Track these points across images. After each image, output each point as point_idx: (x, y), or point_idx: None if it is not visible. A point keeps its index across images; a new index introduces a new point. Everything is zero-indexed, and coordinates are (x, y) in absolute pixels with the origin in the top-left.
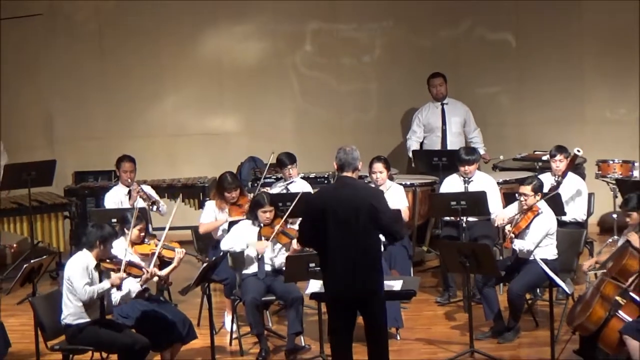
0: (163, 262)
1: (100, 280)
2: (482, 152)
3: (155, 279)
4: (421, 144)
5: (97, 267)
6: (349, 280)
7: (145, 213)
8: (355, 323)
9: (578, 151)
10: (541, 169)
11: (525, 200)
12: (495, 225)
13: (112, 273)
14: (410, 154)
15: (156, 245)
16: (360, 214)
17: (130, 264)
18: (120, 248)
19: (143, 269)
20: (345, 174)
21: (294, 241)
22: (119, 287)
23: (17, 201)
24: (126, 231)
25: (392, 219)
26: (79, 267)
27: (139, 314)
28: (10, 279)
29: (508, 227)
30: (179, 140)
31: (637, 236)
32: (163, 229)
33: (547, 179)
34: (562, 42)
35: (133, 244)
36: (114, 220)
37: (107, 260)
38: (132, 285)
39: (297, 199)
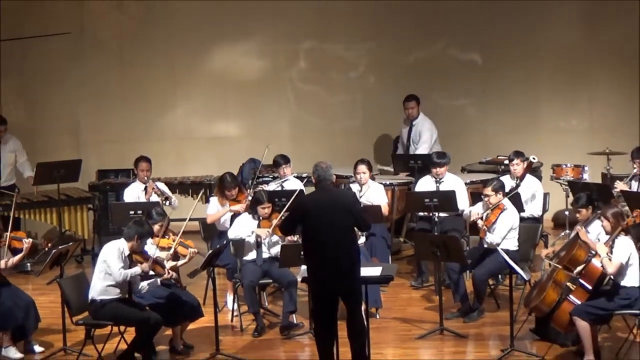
0: (176, 256)
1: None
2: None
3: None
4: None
5: (129, 256)
6: (331, 270)
7: (160, 207)
8: (337, 308)
9: (533, 158)
10: (503, 171)
11: (489, 199)
12: (471, 219)
13: (138, 264)
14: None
15: (174, 241)
16: (340, 213)
17: (155, 261)
18: (149, 246)
19: (165, 269)
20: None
21: None
22: (143, 278)
23: (47, 195)
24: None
25: (362, 214)
26: (116, 252)
27: (154, 295)
28: (41, 262)
29: (480, 222)
30: (188, 143)
31: (584, 231)
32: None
33: (508, 180)
34: (521, 61)
35: (154, 236)
36: (132, 212)
37: (139, 253)
38: (153, 281)
39: (293, 197)
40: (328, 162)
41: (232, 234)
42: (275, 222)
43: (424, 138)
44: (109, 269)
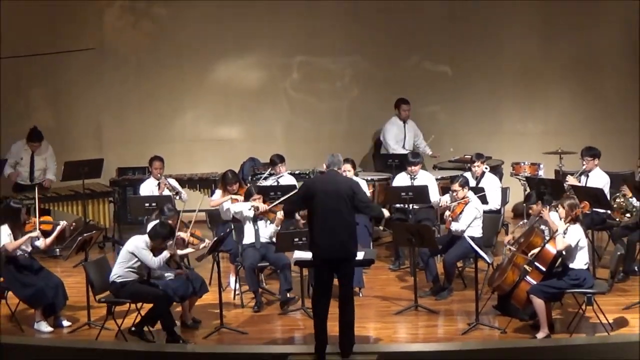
0: (185, 245)
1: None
2: (428, 150)
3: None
4: (380, 148)
5: (153, 251)
6: (333, 244)
7: (172, 201)
8: (333, 281)
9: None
10: (469, 168)
11: (456, 193)
12: (440, 205)
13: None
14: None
15: (186, 232)
16: (342, 196)
17: (173, 256)
18: None
19: (180, 265)
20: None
21: (279, 213)
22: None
23: (73, 189)
24: (163, 219)
25: (367, 201)
26: (143, 246)
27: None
28: (68, 248)
29: (447, 213)
30: (196, 144)
31: (547, 212)
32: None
33: (471, 177)
34: (486, 72)
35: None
36: (147, 204)
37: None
38: (170, 272)
39: (288, 196)
40: (339, 154)
41: (234, 208)
42: (263, 205)
43: (419, 133)
44: (139, 259)
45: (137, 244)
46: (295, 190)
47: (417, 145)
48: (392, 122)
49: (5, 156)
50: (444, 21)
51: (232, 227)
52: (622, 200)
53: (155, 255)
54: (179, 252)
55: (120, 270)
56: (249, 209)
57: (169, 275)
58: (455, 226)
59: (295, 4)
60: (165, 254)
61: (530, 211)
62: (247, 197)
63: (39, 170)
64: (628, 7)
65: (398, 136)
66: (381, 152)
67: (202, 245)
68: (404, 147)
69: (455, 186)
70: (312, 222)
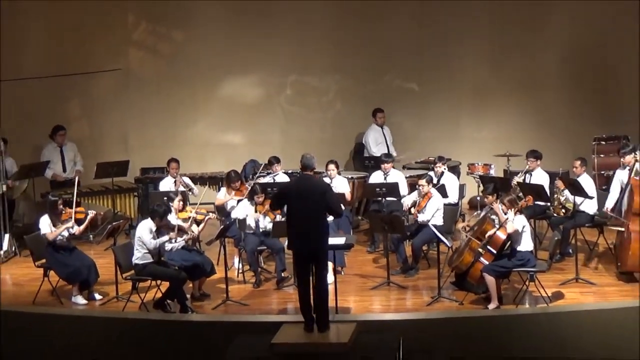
0: (197, 222)
1: (159, 236)
2: (394, 152)
3: (192, 234)
4: (360, 152)
5: (158, 229)
6: (305, 239)
7: (185, 194)
8: (310, 270)
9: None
10: (432, 168)
11: (422, 188)
12: (404, 209)
13: (166, 233)
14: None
15: (192, 212)
16: (315, 197)
17: (179, 228)
18: (171, 216)
19: (188, 231)
20: (306, 172)
21: (278, 217)
22: (171, 241)
23: (104, 186)
24: (171, 204)
25: (336, 202)
26: (146, 229)
27: (182, 258)
28: (100, 234)
29: (413, 209)
30: (206, 148)
31: (497, 206)
32: (196, 204)
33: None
34: (447, 88)
35: (177, 211)
36: (165, 198)
37: (165, 225)
38: (178, 242)
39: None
40: (312, 154)
41: (234, 214)
42: (267, 206)
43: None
44: (143, 243)
45: (140, 229)
46: (275, 190)
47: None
48: (372, 128)
49: (41, 160)
50: (412, 47)
51: (237, 219)
52: (561, 195)
53: (159, 232)
54: (194, 228)
55: (139, 254)
56: (246, 216)
57: (179, 243)
58: (421, 217)
59: (289, 33)
60: (164, 237)
61: (486, 200)
62: (252, 195)
63: (70, 162)
64: (562, 37)
65: (378, 139)
66: (362, 155)
67: (207, 217)
68: (387, 147)
69: (423, 182)
70: (289, 220)
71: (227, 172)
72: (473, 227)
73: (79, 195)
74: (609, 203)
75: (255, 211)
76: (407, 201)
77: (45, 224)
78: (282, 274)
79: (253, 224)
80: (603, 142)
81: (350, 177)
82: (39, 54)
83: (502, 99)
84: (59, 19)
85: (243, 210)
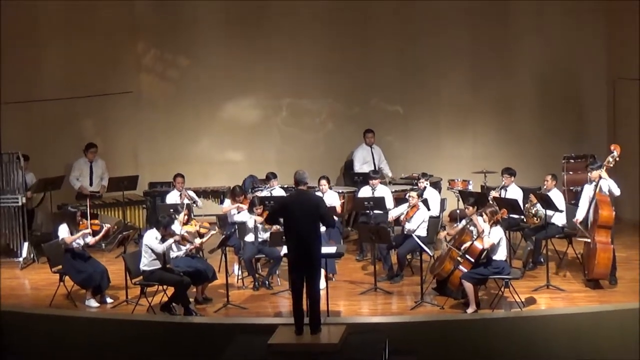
0: (200, 235)
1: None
2: (389, 172)
3: (195, 245)
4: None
5: (163, 238)
6: (301, 251)
7: (190, 207)
8: (304, 279)
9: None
10: (415, 184)
11: (412, 199)
12: (389, 219)
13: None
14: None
15: (196, 225)
16: (309, 210)
17: (183, 237)
18: (176, 227)
19: (192, 242)
20: (300, 187)
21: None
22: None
23: (115, 198)
24: (176, 217)
25: (328, 214)
26: (153, 238)
27: (185, 264)
28: (112, 243)
29: (402, 217)
30: (209, 164)
31: (477, 217)
32: (201, 215)
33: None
34: (429, 111)
35: (183, 224)
36: (172, 209)
37: (169, 234)
38: (182, 251)
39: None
40: (304, 170)
41: (236, 218)
42: (264, 217)
43: (384, 159)
44: (151, 249)
45: (147, 238)
46: (273, 205)
47: (382, 168)
48: (360, 147)
49: (71, 172)
50: (397, 73)
51: (236, 227)
52: (533, 208)
53: (163, 241)
54: (198, 241)
55: (146, 261)
56: (249, 218)
57: (182, 251)
58: (408, 226)
59: (285, 59)
60: (170, 241)
61: (467, 211)
62: (251, 206)
63: (97, 177)
64: (533, 64)
65: (366, 158)
66: (350, 171)
67: (211, 232)
68: (374, 166)
69: (413, 194)
70: (286, 233)
71: (232, 187)
72: (454, 237)
73: (93, 207)
74: (580, 214)
75: (255, 224)
76: (393, 213)
77: (64, 230)
78: (270, 278)
79: (252, 225)
80: (572, 160)
81: (340, 191)
82: (58, 78)
83: (479, 121)
84: (77, 47)
85: (244, 217)
